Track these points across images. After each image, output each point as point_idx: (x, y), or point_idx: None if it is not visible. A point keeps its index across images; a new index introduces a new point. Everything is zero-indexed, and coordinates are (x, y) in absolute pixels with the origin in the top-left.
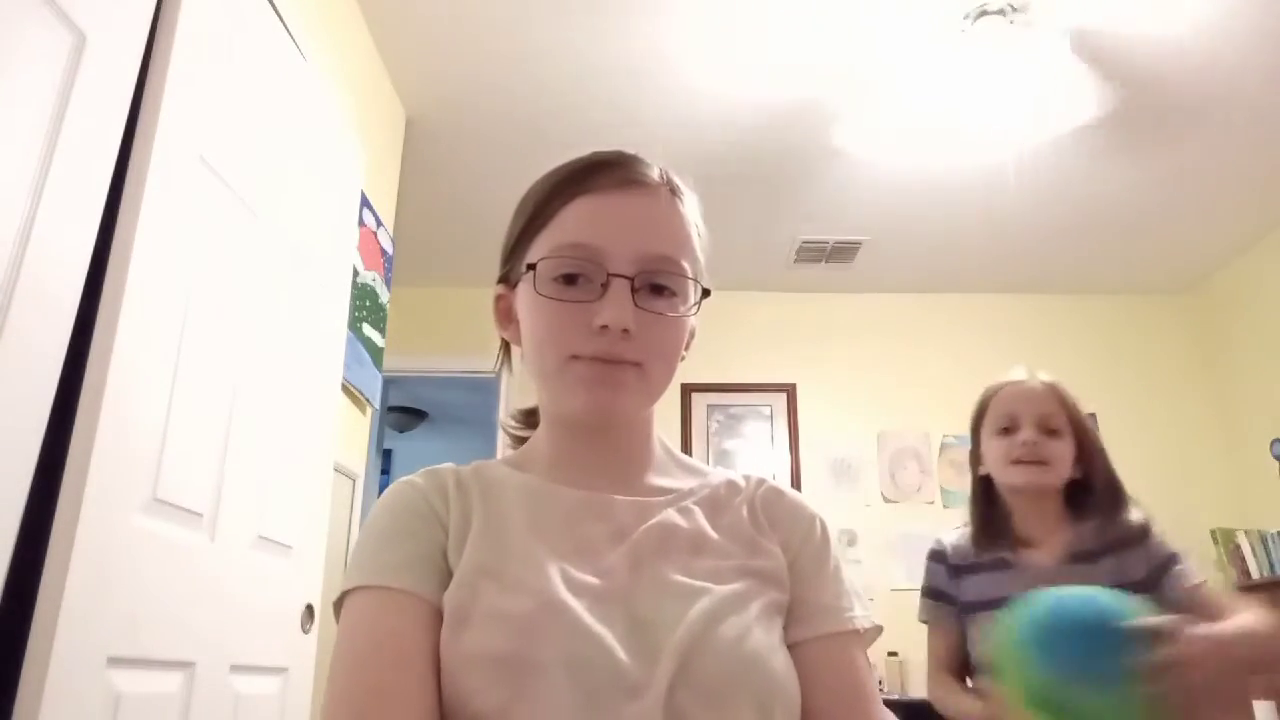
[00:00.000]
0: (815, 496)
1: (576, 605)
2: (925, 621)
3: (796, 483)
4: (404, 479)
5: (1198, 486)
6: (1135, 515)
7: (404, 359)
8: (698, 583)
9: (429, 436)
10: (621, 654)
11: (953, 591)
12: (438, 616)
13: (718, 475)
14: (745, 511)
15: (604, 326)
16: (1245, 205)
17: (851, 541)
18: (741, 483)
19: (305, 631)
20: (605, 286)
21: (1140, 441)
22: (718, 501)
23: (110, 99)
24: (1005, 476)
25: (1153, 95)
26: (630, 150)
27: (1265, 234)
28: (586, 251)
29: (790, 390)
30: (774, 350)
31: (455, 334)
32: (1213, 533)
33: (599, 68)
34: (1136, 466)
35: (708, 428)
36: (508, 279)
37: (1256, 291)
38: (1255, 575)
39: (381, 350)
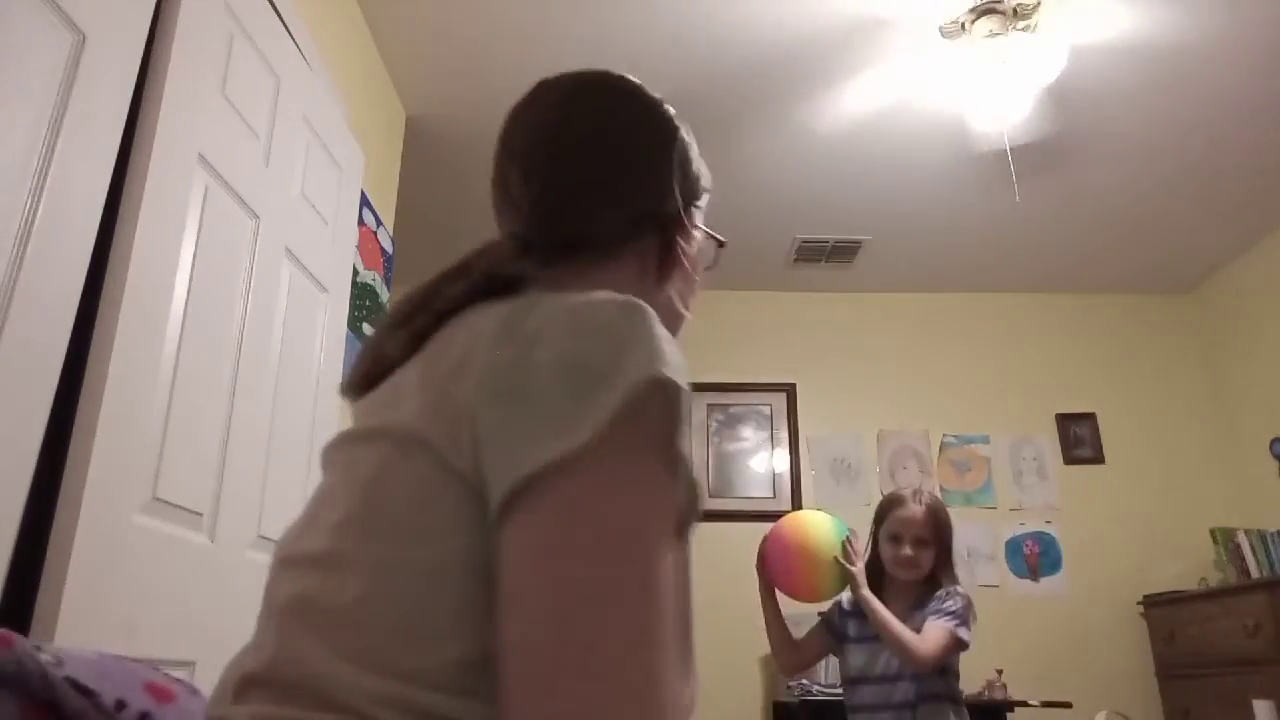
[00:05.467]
0: (815, 496)
1: None
2: (812, 629)
3: (796, 482)
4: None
5: (1198, 486)
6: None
7: None
8: None
9: None
10: None
11: (840, 626)
12: None
13: None
14: None
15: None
16: (1245, 205)
17: None
18: None
19: None
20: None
21: (1140, 441)
22: None
23: (110, 99)
24: (891, 569)
25: (1154, 96)
26: None
27: (1265, 234)
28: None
29: (790, 390)
30: (774, 350)
31: None
32: (1213, 532)
33: (599, 66)
34: (1136, 466)
35: (707, 427)
36: (679, 211)
37: (1256, 291)
38: (1255, 575)
39: None
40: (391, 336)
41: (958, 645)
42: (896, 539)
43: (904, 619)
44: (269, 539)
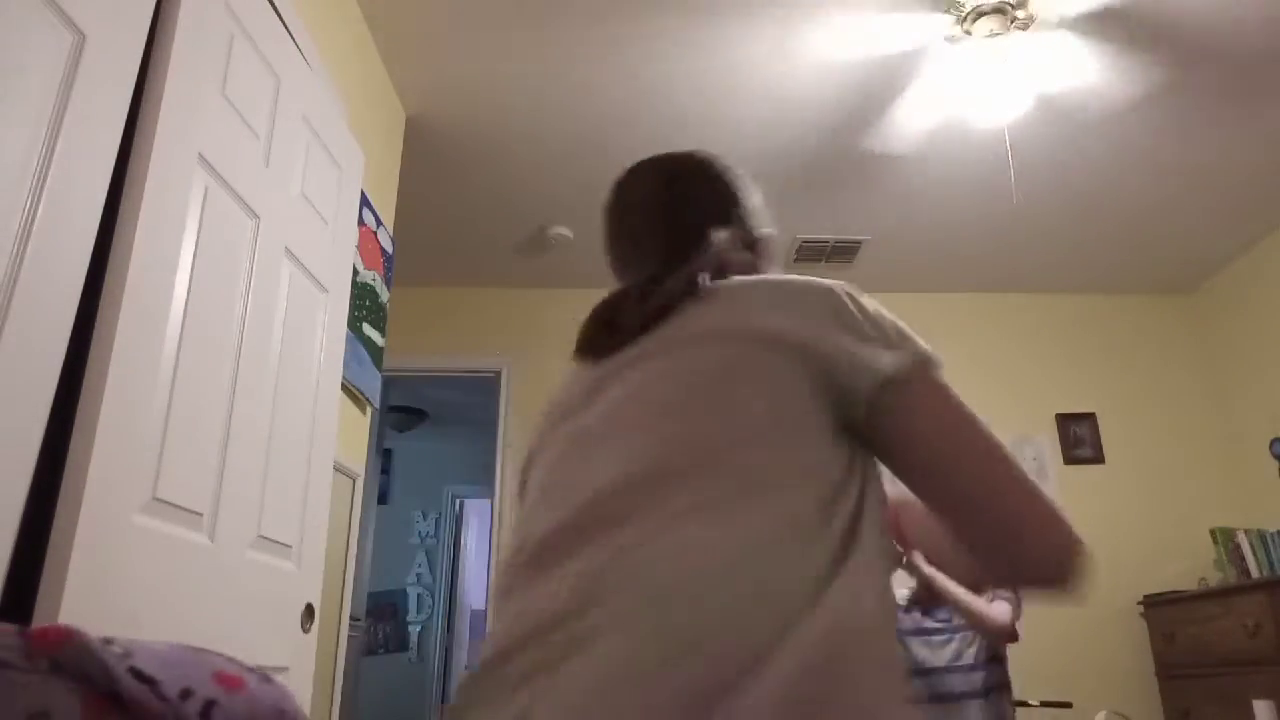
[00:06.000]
0: None
1: None
2: None
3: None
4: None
5: (1198, 486)
6: None
7: (404, 359)
8: None
9: (429, 436)
10: None
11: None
12: None
13: None
14: None
15: None
16: (1245, 205)
17: None
18: None
19: (305, 631)
20: None
21: (1140, 441)
22: None
23: (110, 99)
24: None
25: (1154, 95)
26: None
27: (1265, 234)
28: None
29: None
30: None
31: (455, 334)
32: (1213, 532)
33: (599, 67)
34: (1136, 466)
35: None
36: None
37: (1256, 291)
38: (1255, 575)
39: (381, 350)
40: (667, 291)
41: (1014, 631)
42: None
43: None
44: (269, 539)
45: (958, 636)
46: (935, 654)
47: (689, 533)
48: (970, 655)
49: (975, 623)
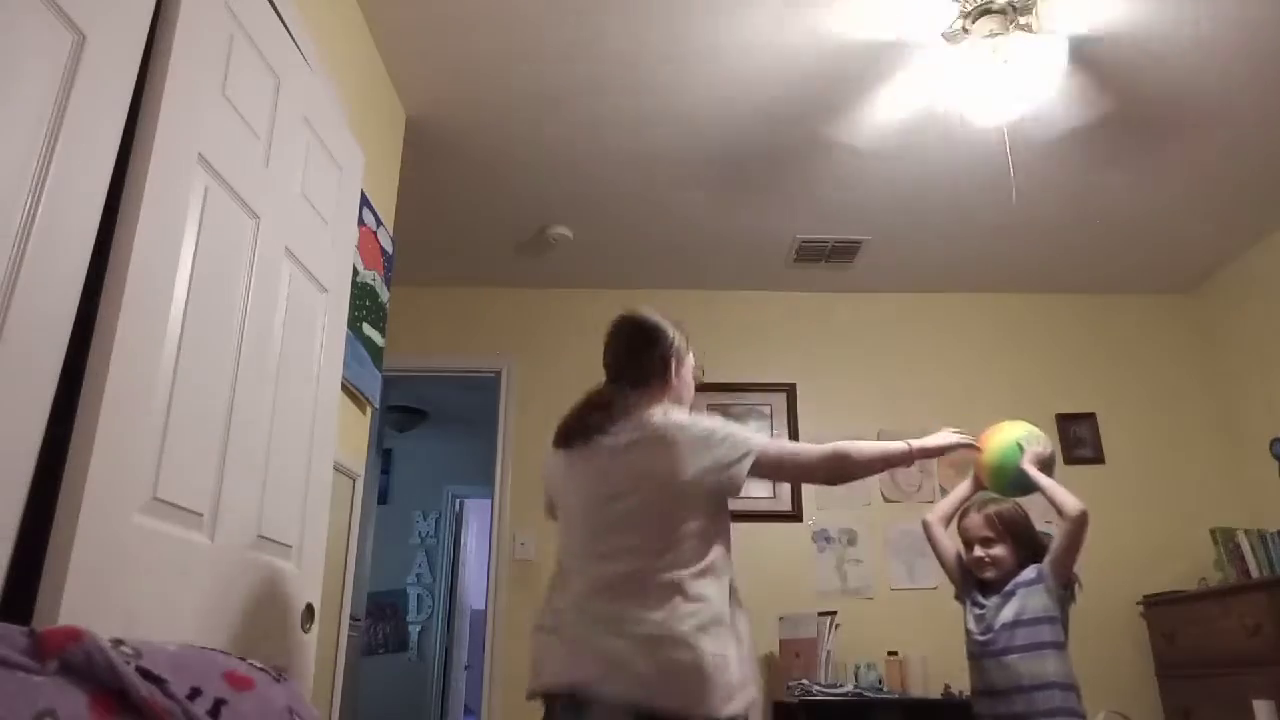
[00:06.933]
0: (815, 497)
1: None
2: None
3: (796, 484)
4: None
5: (1198, 486)
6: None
7: (404, 359)
8: None
9: (429, 436)
10: None
11: (968, 584)
12: None
13: None
14: None
15: None
16: (1245, 205)
17: (851, 541)
18: None
19: (305, 631)
20: None
21: (1140, 441)
22: None
23: (110, 99)
24: (976, 573)
25: (1154, 96)
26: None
27: (1265, 234)
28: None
29: (790, 390)
30: (774, 350)
31: (455, 334)
32: (1213, 532)
33: (599, 67)
34: (1136, 466)
35: None
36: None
37: (1256, 291)
38: (1255, 575)
39: (381, 350)
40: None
41: (1084, 515)
42: (968, 546)
43: (1003, 586)
44: (269, 539)
45: (1012, 600)
46: (992, 618)
47: None
48: (1031, 610)
49: (1052, 498)
